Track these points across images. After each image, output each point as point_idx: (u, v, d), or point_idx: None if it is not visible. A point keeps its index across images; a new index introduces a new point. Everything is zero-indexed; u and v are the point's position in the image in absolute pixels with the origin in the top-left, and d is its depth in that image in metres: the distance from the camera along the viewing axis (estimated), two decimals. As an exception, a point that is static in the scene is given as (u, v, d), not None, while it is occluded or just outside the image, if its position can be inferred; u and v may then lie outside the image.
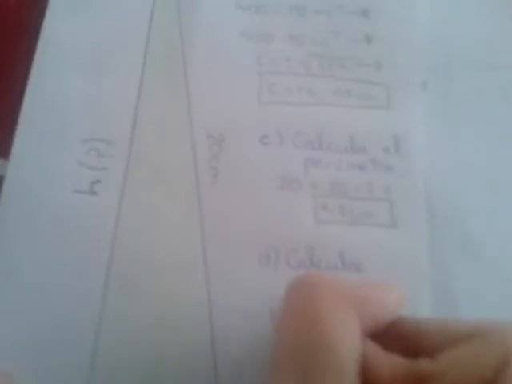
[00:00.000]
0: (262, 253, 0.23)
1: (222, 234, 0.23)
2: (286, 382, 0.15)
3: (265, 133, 0.24)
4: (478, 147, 0.24)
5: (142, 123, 0.24)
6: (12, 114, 0.24)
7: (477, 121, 0.25)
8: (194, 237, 0.23)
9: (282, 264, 0.22)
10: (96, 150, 0.24)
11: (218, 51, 0.26)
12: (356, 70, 0.25)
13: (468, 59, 0.26)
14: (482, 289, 0.22)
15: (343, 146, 0.24)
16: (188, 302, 0.22)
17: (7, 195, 0.23)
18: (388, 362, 0.15)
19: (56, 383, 0.21)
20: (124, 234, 0.23)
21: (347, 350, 0.15)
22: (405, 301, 0.17)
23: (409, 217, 0.23)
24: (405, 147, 0.24)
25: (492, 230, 0.23)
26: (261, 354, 0.21)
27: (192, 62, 0.25)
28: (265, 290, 0.22)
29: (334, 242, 0.23)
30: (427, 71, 0.25)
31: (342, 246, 0.23)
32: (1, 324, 0.22)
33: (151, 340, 0.21)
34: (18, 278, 0.22)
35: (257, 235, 0.23)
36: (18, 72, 0.25)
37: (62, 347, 0.21)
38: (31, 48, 0.25)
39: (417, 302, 0.22)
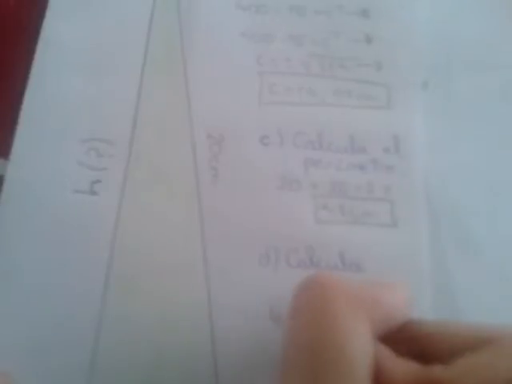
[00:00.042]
0: (262, 253, 0.23)
1: (222, 233, 0.23)
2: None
3: (265, 133, 0.24)
4: (478, 147, 0.24)
5: (142, 123, 0.24)
6: (12, 114, 0.24)
7: (477, 121, 0.25)
8: (194, 237, 0.23)
9: (282, 264, 0.22)
10: (96, 150, 0.24)
11: (218, 51, 0.26)
12: (356, 70, 0.25)
13: (468, 59, 0.26)
14: (482, 289, 0.22)
15: (343, 146, 0.24)
16: (188, 302, 0.22)
17: (7, 195, 0.23)
18: (401, 366, 0.15)
19: (56, 383, 0.21)
20: (124, 234, 0.23)
21: (359, 354, 0.14)
22: (413, 301, 0.17)
23: (409, 217, 0.23)
24: (405, 147, 0.24)
25: (492, 230, 0.23)
26: (261, 353, 0.21)
27: (192, 62, 0.25)
28: (265, 290, 0.22)
29: (334, 242, 0.23)
30: (427, 71, 0.25)
31: (343, 246, 0.23)
32: (1, 324, 0.22)
33: (151, 340, 0.21)
34: (18, 278, 0.22)
35: (257, 235, 0.23)
36: (18, 72, 0.25)
37: (62, 347, 0.21)
38: (31, 48, 0.25)
39: (417, 302, 0.22)
